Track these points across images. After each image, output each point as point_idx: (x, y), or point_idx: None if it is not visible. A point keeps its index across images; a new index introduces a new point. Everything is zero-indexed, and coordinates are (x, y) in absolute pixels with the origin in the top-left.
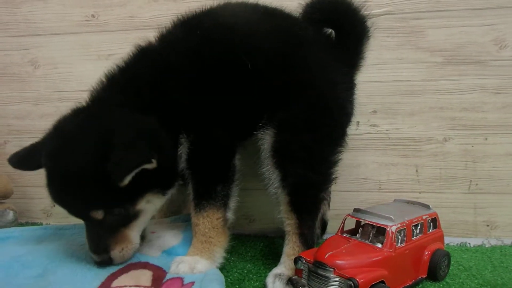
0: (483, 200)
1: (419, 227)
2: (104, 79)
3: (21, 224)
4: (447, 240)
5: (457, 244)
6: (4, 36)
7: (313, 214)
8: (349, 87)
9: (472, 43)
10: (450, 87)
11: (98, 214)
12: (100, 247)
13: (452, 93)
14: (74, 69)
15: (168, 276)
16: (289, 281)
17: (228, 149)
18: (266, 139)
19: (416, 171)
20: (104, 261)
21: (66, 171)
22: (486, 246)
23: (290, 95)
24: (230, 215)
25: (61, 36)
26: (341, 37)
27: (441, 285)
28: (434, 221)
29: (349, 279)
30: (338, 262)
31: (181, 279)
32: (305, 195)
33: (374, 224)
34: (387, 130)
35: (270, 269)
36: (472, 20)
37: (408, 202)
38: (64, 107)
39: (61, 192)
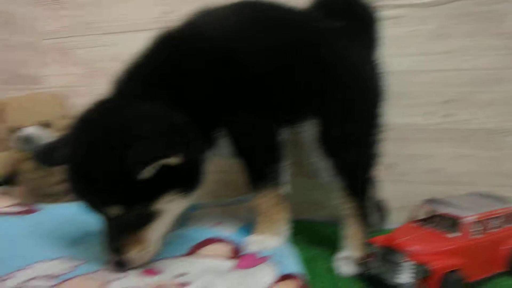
0: None
1: (496, 221)
2: (129, 70)
3: None
4: None
5: None
6: (94, 34)
7: (367, 193)
8: (374, 67)
9: None
10: None
11: (117, 210)
12: (118, 247)
13: None
14: None
15: (244, 251)
16: (360, 264)
17: (269, 134)
18: (308, 130)
19: (494, 164)
20: (121, 263)
21: (87, 164)
22: None
23: (323, 83)
24: (284, 189)
25: (139, 33)
26: (352, 25)
27: None
28: None
29: (422, 265)
30: (411, 248)
31: (255, 254)
32: (357, 177)
33: (449, 214)
34: (460, 121)
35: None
36: None
37: (483, 194)
38: None
39: (81, 185)
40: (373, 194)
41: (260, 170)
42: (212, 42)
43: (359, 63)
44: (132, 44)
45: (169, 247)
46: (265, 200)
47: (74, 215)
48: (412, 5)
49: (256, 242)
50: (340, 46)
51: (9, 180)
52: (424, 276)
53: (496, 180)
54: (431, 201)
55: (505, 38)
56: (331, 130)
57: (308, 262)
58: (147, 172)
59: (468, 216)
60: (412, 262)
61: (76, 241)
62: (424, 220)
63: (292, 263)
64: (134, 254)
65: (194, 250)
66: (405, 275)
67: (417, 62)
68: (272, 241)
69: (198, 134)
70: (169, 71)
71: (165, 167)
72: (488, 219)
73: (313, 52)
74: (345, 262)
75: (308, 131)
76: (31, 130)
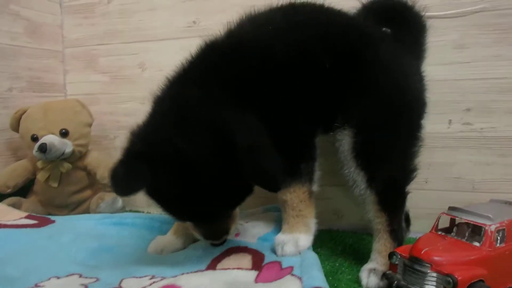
0: None
1: None
2: (183, 75)
3: (127, 211)
4: None
5: None
6: (118, 42)
7: (401, 209)
8: (421, 78)
9: None
10: None
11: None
12: (221, 232)
13: None
14: None
15: (266, 260)
16: (384, 275)
17: (308, 134)
18: (345, 139)
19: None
20: (216, 244)
21: (199, 199)
22: None
23: (365, 92)
24: (315, 187)
25: (166, 42)
26: (400, 33)
27: None
28: None
29: (448, 275)
30: (436, 258)
31: (279, 263)
32: (392, 192)
33: (471, 222)
34: (481, 129)
35: (361, 264)
36: None
37: (506, 202)
38: None
39: (192, 214)
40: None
41: (295, 166)
42: (257, 48)
43: (403, 73)
44: (158, 53)
45: (189, 262)
46: (295, 195)
47: (89, 227)
48: (435, 17)
49: (286, 243)
50: (384, 54)
51: (22, 190)
52: (449, 287)
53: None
54: (454, 209)
55: None
56: (367, 141)
57: (331, 273)
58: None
59: (492, 224)
60: (437, 273)
61: (90, 256)
62: (447, 229)
63: (318, 275)
64: (231, 230)
65: (214, 263)
66: (430, 286)
67: (439, 71)
68: (302, 239)
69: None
70: (224, 75)
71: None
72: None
73: (354, 59)
74: (371, 275)
75: (344, 140)
76: (50, 139)
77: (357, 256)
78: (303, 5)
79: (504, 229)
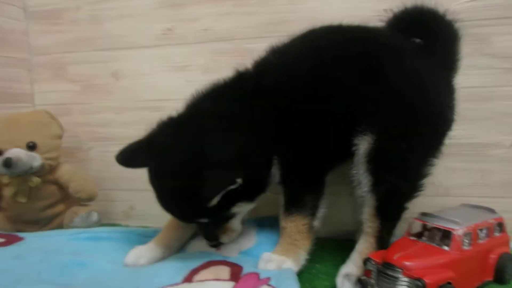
0: None
1: (485, 231)
2: (205, 93)
3: (102, 225)
4: None
5: None
6: (89, 50)
7: (396, 221)
8: (449, 91)
9: None
10: None
11: (202, 221)
12: (212, 237)
13: None
14: (152, 79)
15: (244, 271)
16: (359, 281)
17: (320, 170)
18: (362, 144)
19: (482, 176)
20: (216, 245)
21: (170, 189)
22: None
23: (389, 103)
24: (316, 223)
25: (140, 49)
26: (431, 42)
27: None
28: (500, 226)
29: (418, 279)
30: (407, 263)
31: (257, 274)
32: (392, 202)
33: (441, 227)
34: (456, 136)
35: (337, 269)
36: None
37: (474, 206)
38: (145, 116)
39: (168, 205)
40: None
41: (300, 197)
42: (277, 78)
43: (429, 84)
44: (132, 62)
45: (166, 274)
46: (294, 225)
47: (61, 244)
48: None
49: (271, 261)
50: (408, 67)
51: None
52: None
53: (484, 192)
54: (425, 214)
55: (492, 58)
56: (383, 149)
57: (308, 280)
58: (215, 200)
59: (460, 229)
60: (408, 277)
61: (60, 274)
62: (419, 233)
63: (293, 285)
64: (223, 239)
65: (191, 275)
66: None
67: None
68: (288, 264)
69: (260, 156)
70: (240, 103)
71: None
72: (477, 229)
73: (375, 75)
74: (345, 281)
75: (361, 144)
76: (15, 153)
77: (336, 262)
78: (321, 29)
79: (471, 233)
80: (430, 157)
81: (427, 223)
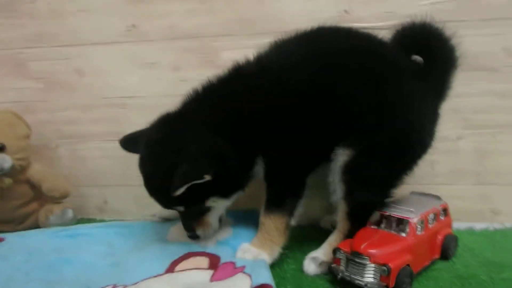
0: (489, 191)
1: (433, 216)
2: (199, 90)
3: (78, 220)
4: (457, 225)
5: (465, 228)
6: (50, 46)
7: (364, 223)
8: (434, 119)
9: (483, 51)
10: (464, 91)
11: (179, 209)
12: (189, 227)
13: (465, 97)
14: (118, 77)
15: (222, 260)
16: (329, 268)
17: (302, 172)
18: (341, 156)
19: (432, 166)
20: (193, 236)
21: (150, 176)
22: (490, 229)
23: (377, 123)
24: (292, 221)
25: (104, 46)
26: (430, 66)
27: (449, 264)
28: (445, 210)
29: (383, 265)
30: (373, 251)
31: (233, 263)
32: (363, 210)
33: (399, 216)
34: None
35: (304, 255)
36: (484, 29)
37: (423, 194)
38: (113, 113)
39: (149, 191)
40: None
41: (281, 198)
42: (275, 79)
43: (419, 111)
44: (96, 58)
45: (149, 265)
46: (273, 222)
47: (42, 243)
48: (373, 28)
49: (248, 252)
50: (406, 88)
51: None
52: (384, 275)
53: (433, 180)
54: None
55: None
56: (360, 164)
57: (278, 264)
58: (181, 190)
59: (415, 217)
60: (375, 264)
61: (48, 271)
62: (378, 221)
63: (265, 273)
64: (199, 232)
65: (172, 266)
66: (369, 276)
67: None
68: (263, 256)
69: (233, 156)
70: (228, 103)
71: (205, 181)
72: (428, 216)
73: (371, 89)
74: (311, 263)
75: (341, 156)
76: None
77: (302, 247)
78: (329, 31)
79: (423, 220)
80: (403, 175)
81: (386, 213)
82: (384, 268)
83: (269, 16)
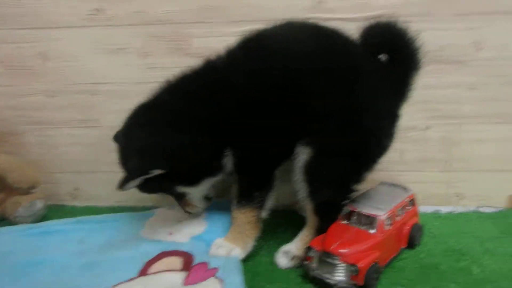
0: (454, 177)
1: (401, 209)
2: (172, 81)
3: (49, 207)
4: (424, 208)
5: (431, 211)
6: (11, 28)
7: (334, 217)
8: (394, 120)
9: (453, 44)
10: (433, 83)
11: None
12: (180, 205)
13: (434, 88)
14: (86, 62)
15: (196, 260)
16: (302, 266)
17: (269, 167)
18: (302, 154)
19: (401, 154)
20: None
21: (120, 167)
22: (455, 212)
23: (338, 123)
24: (264, 214)
25: (68, 30)
26: (393, 67)
27: (414, 253)
28: (412, 201)
29: (352, 265)
30: (343, 251)
31: (206, 264)
32: (328, 207)
33: (368, 214)
34: None
35: (277, 247)
36: (455, 24)
37: (391, 185)
38: (81, 99)
39: None
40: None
41: (250, 193)
42: (245, 75)
43: (380, 113)
44: (60, 42)
45: (122, 267)
46: (244, 216)
47: (11, 242)
48: (344, 19)
49: (222, 247)
50: (369, 89)
51: None
52: (354, 274)
53: (402, 167)
54: (353, 201)
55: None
56: (320, 164)
57: (251, 257)
58: (129, 186)
59: (383, 214)
60: (345, 263)
61: (21, 276)
62: (348, 215)
63: (237, 280)
64: (188, 210)
65: (146, 267)
66: (340, 275)
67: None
68: (236, 251)
69: (194, 148)
70: (198, 96)
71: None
72: (396, 210)
73: (329, 89)
74: (283, 256)
75: (301, 155)
76: None
77: (275, 237)
78: (300, 28)
79: (391, 216)
80: (364, 173)
81: (356, 209)
82: (353, 268)
83: (243, 3)
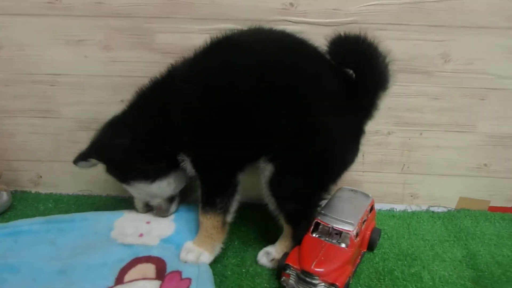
0: (411, 178)
1: (365, 218)
2: (143, 87)
3: (13, 195)
4: (380, 206)
5: (387, 209)
6: None
7: (307, 223)
8: (358, 136)
9: (423, 55)
10: (400, 91)
11: None
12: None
13: (400, 96)
14: (43, 52)
15: (168, 269)
16: (281, 281)
17: (226, 174)
18: (266, 170)
19: (363, 156)
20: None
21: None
22: (408, 211)
23: (297, 140)
24: (229, 218)
25: (23, 17)
26: (360, 82)
27: (370, 257)
28: (372, 206)
29: (332, 284)
30: (321, 270)
31: (179, 273)
32: (298, 216)
33: (339, 229)
34: None
35: (244, 248)
36: (425, 35)
37: (352, 190)
38: (38, 90)
39: None
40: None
41: (212, 199)
42: (199, 86)
43: (342, 132)
44: (15, 30)
45: (97, 275)
46: (210, 221)
47: None
48: (313, 23)
49: (191, 251)
50: (331, 108)
51: None
52: None
53: (363, 168)
54: (323, 215)
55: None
56: (283, 178)
57: (219, 260)
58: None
59: (354, 229)
60: (324, 282)
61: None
62: (315, 226)
63: None
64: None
65: (121, 275)
66: None
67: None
68: (205, 255)
69: (142, 152)
70: (154, 103)
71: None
72: (362, 221)
73: (295, 102)
74: (264, 256)
75: (265, 170)
76: None
77: (241, 238)
78: (259, 33)
79: (359, 228)
80: (328, 187)
81: (328, 225)
82: (332, 286)
83: (210, 0)
